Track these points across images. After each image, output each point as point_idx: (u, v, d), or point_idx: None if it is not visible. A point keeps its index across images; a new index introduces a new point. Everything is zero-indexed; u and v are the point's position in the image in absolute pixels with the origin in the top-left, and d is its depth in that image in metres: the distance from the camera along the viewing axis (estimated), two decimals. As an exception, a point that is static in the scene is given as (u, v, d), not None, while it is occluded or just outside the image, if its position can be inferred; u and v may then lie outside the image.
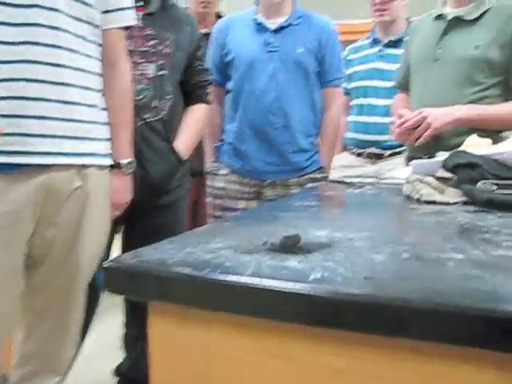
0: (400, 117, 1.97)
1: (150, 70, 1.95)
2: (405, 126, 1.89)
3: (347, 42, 3.39)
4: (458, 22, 2.02)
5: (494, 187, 1.25)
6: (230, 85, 2.39)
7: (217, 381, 0.67)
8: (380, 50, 2.82)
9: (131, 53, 1.82)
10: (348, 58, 2.96)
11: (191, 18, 2.16)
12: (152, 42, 1.97)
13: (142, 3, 1.96)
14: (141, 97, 1.92)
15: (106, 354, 2.60)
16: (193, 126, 2.14)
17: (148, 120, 1.94)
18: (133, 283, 0.67)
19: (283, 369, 0.63)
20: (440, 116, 1.85)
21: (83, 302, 1.60)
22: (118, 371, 2.28)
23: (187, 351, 0.68)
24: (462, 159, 1.34)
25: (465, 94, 1.98)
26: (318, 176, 2.37)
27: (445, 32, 2.04)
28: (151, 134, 1.96)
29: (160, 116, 1.97)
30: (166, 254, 0.72)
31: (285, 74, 2.28)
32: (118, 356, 2.30)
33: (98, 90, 1.56)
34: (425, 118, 1.85)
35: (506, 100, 1.98)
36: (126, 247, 2.12)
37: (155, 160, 1.97)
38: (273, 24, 2.32)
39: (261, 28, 2.33)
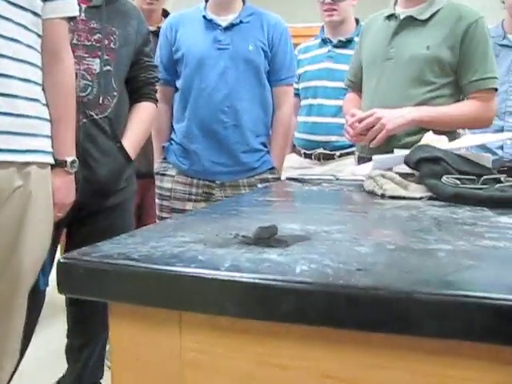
0: (353, 116, 1.95)
1: (95, 65, 1.85)
2: (359, 127, 1.87)
3: (296, 46, 3.38)
4: (409, 22, 2.02)
5: (458, 182, 1.23)
6: (178, 83, 2.32)
7: (191, 390, 0.59)
8: (329, 51, 2.79)
9: (75, 47, 1.75)
10: (298, 58, 2.92)
11: (138, 12, 2.07)
12: (96, 37, 1.87)
13: (85, -5, 1.86)
14: (85, 93, 1.82)
15: (46, 366, 2.47)
16: (140, 125, 2.05)
17: (93, 117, 1.84)
18: (93, 281, 0.58)
19: (268, 376, 0.56)
20: (393, 118, 1.85)
21: (25, 309, 1.49)
22: (61, 384, 2.17)
23: (156, 358, 0.60)
24: (426, 153, 1.31)
25: (416, 94, 1.98)
26: (269, 176, 2.33)
27: (396, 31, 2.04)
28: (97, 132, 1.86)
29: (106, 113, 1.88)
30: (127, 249, 0.63)
31: (235, 71, 2.22)
32: (60, 368, 2.18)
33: (39, 84, 1.47)
34: (379, 118, 1.83)
35: (457, 100, 2.00)
36: (71, 251, 2.01)
37: (102, 159, 1.86)
38: (223, 21, 2.27)
39: (211, 25, 2.27)
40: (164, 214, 2.35)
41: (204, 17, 2.28)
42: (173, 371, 0.60)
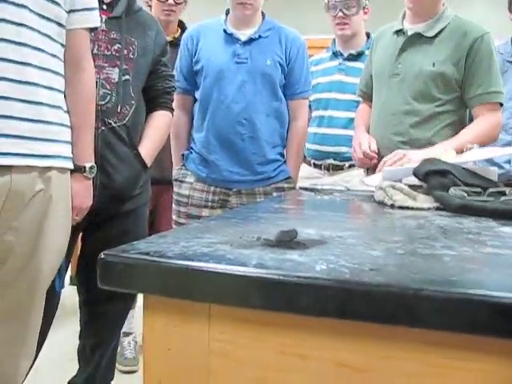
0: (359, 145, 2.09)
1: (115, 74, 1.91)
2: (386, 165, 1.85)
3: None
4: (417, 39, 2.08)
5: (465, 194, 1.28)
6: (198, 93, 2.39)
7: (217, 379, 0.66)
8: (340, 63, 2.85)
9: (95, 56, 1.79)
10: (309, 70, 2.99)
11: (156, 22, 2.14)
12: (116, 47, 1.93)
13: (106, 6, 1.92)
14: (104, 101, 1.88)
15: (57, 367, 2.52)
16: (156, 133, 2.11)
17: (112, 125, 1.90)
18: (130, 276, 0.65)
19: (289, 365, 0.62)
20: (417, 153, 1.83)
21: (42, 310, 1.53)
22: (73, 384, 2.21)
23: (186, 347, 0.66)
24: (434, 166, 1.37)
25: (422, 109, 2.04)
26: (285, 186, 2.38)
27: (404, 48, 2.10)
28: (115, 140, 1.91)
29: (124, 122, 1.93)
30: (161, 248, 0.70)
31: (252, 85, 2.29)
32: (69, 369, 2.22)
33: (62, 92, 1.52)
34: (404, 155, 1.85)
35: (462, 115, 2.05)
36: (85, 255, 2.07)
37: (119, 166, 1.92)
38: (243, 35, 2.34)
39: (231, 39, 2.34)
40: (181, 220, 2.41)
41: (224, 30, 2.34)
42: (201, 360, 0.66)
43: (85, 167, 1.62)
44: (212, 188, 2.35)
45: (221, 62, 2.30)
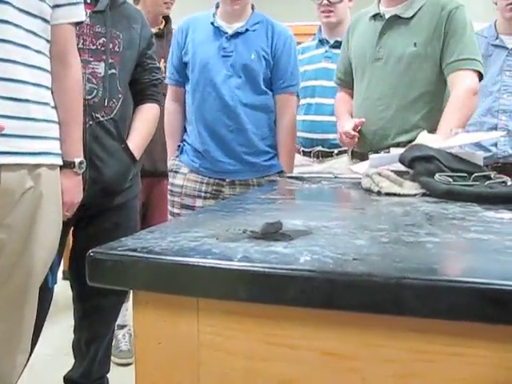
0: (346, 133, 2.09)
1: (101, 68, 1.91)
2: None
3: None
4: (395, 21, 2.08)
5: (450, 179, 1.30)
6: (187, 86, 2.41)
7: (208, 370, 0.67)
8: (326, 51, 2.86)
9: (80, 51, 1.78)
10: (296, 58, 3.00)
11: (141, 15, 2.13)
12: (101, 41, 1.93)
13: (90, 0, 1.92)
14: (91, 96, 1.88)
15: (51, 362, 2.54)
16: (144, 126, 2.11)
17: (99, 119, 1.90)
18: (119, 272, 0.66)
19: (276, 355, 0.63)
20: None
21: (36, 306, 1.54)
22: (69, 379, 2.22)
23: (176, 340, 0.67)
24: (419, 152, 1.38)
25: (407, 93, 2.04)
26: (279, 179, 2.39)
27: (383, 31, 2.10)
28: (103, 134, 1.92)
29: (111, 115, 1.93)
30: (149, 243, 0.71)
31: (237, 78, 2.31)
32: (66, 363, 2.23)
33: (49, 88, 1.52)
34: None
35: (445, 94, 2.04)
36: (77, 249, 2.08)
37: (108, 160, 1.92)
38: (230, 28, 2.35)
39: (218, 32, 2.35)
40: (175, 210, 2.44)
41: (212, 23, 2.36)
42: (191, 352, 0.67)
43: (74, 163, 1.62)
44: (206, 179, 2.38)
45: (207, 55, 2.32)
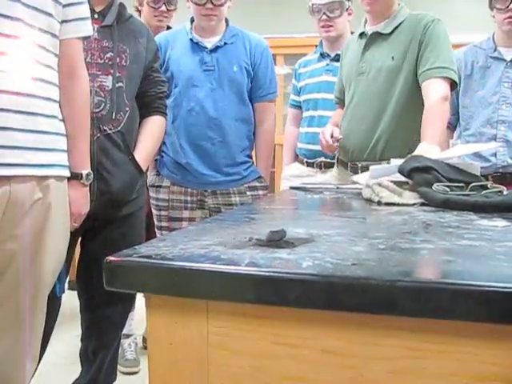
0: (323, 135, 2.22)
1: (108, 82, 1.96)
2: None
3: (296, 56, 3.52)
4: (376, 37, 2.20)
5: (448, 189, 1.35)
6: (168, 101, 2.43)
7: (216, 369, 0.72)
8: (327, 64, 2.92)
9: (88, 65, 1.83)
10: (298, 71, 3.07)
11: (147, 29, 2.19)
12: (109, 55, 1.98)
13: (97, 15, 1.97)
14: (99, 109, 1.93)
15: (57, 371, 2.58)
16: (150, 138, 2.16)
17: (107, 132, 1.95)
18: (135, 277, 0.71)
19: (280, 353, 0.68)
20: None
21: (44, 315, 1.57)
22: (77, 387, 2.25)
23: (186, 341, 0.72)
24: (418, 163, 1.43)
25: (386, 105, 2.12)
26: (258, 185, 2.51)
27: (366, 47, 2.22)
28: (110, 146, 1.96)
29: (119, 128, 1.98)
30: (162, 251, 0.76)
31: (221, 91, 2.39)
32: (73, 371, 2.27)
33: (57, 101, 1.56)
34: None
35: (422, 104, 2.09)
36: (84, 259, 2.12)
37: (115, 172, 1.97)
38: (208, 43, 2.44)
39: (197, 47, 2.44)
40: (163, 223, 2.51)
41: (191, 39, 2.43)
42: (201, 352, 0.72)
43: (81, 174, 1.66)
44: (189, 190, 2.45)
45: (190, 70, 2.40)
